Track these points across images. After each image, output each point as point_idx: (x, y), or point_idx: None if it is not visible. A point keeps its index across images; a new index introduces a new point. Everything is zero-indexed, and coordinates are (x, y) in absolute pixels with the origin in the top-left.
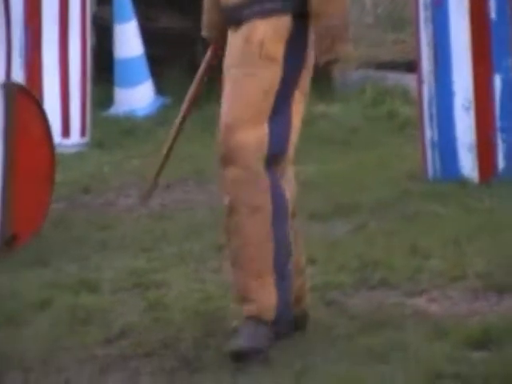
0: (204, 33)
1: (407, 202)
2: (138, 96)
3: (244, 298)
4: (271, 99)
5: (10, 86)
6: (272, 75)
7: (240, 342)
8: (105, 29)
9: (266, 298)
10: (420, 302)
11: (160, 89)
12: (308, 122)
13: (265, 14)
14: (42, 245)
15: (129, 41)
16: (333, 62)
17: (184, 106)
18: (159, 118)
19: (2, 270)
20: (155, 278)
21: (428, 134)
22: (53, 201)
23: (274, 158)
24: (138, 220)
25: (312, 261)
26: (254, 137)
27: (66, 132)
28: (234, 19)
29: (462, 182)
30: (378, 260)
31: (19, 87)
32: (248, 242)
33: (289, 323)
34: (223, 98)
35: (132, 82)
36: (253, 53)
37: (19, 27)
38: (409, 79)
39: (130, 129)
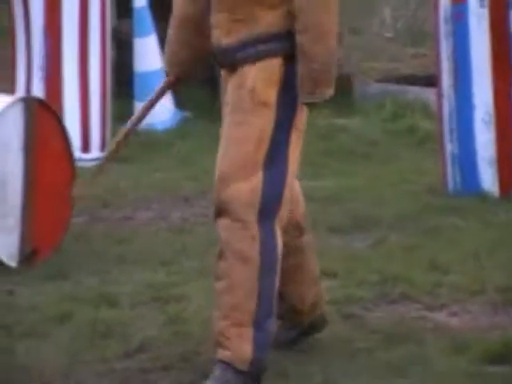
0: (167, 67)
1: (427, 216)
2: (157, 110)
3: (220, 343)
4: (265, 146)
5: (30, 100)
6: (265, 121)
7: None
8: (125, 43)
9: (242, 349)
10: (440, 316)
11: (179, 103)
12: (328, 135)
13: (259, 56)
14: (62, 259)
15: (149, 55)
16: (313, 105)
17: (127, 127)
18: (179, 131)
19: (22, 283)
20: (174, 291)
21: (448, 147)
22: (73, 215)
23: (267, 208)
24: (157, 234)
25: (332, 275)
26: (247, 189)
27: (85, 146)
28: (226, 61)
29: (482, 196)
30: (397, 274)
31: (39, 101)
32: (233, 290)
33: (259, 376)
34: (219, 147)
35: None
36: (244, 99)
37: (39, 41)
38: (429, 93)
39: (149, 143)
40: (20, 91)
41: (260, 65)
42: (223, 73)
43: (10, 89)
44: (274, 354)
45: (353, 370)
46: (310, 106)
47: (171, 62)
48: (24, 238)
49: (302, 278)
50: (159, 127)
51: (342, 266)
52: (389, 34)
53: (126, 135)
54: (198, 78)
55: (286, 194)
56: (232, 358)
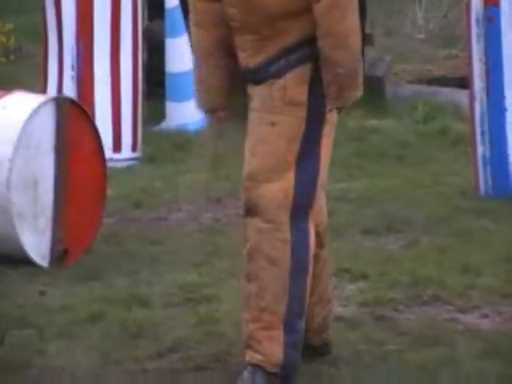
0: (206, 106)
1: (459, 219)
2: (189, 110)
3: (250, 346)
4: (297, 145)
5: (61, 99)
6: (296, 121)
7: None
8: (156, 43)
9: (273, 351)
10: (471, 318)
11: None
12: (360, 136)
13: (291, 66)
14: (94, 259)
15: (181, 55)
16: (341, 108)
17: None
18: (211, 132)
19: (54, 284)
20: (206, 292)
21: (480, 150)
22: (104, 216)
23: (299, 208)
24: (190, 234)
25: (364, 276)
26: (279, 188)
27: (117, 147)
28: (258, 78)
29: None
30: (429, 276)
31: (71, 101)
32: (263, 293)
33: (291, 378)
34: (247, 143)
35: (184, 97)
36: (275, 98)
37: (71, 41)
38: (461, 95)
39: (181, 143)
40: (51, 91)
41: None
42: (251, 85)
43: (42, 91)
44: (303, 355)
45: (384, 371)
46: (339, 109)
47: (211, 97)
48: (55, 239)
49: (316, 291)
50: (191, 128)
51: (374, 268)
52: (421, 36)
53: None
54: (241, 101)
55: (319, 191)
56: (263, 361)
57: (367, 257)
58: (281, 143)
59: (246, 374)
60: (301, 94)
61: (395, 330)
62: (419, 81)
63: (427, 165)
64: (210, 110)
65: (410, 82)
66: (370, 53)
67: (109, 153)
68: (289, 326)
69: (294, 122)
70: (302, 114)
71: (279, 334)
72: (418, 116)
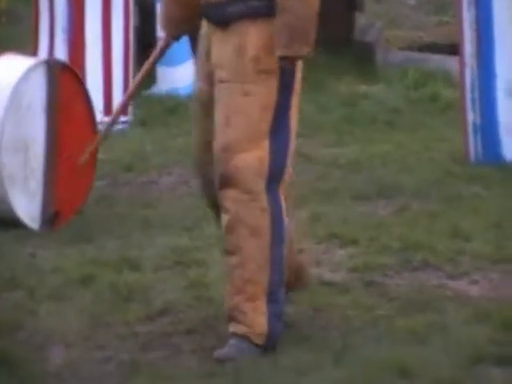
0: (163, 27)
1: (449, 184)
2: (180, 75)
3: (234, 317)
4: (270, 115)
5: (52, 63)
6: (269, 90)
7: (228, 352)
8: (148, 7)
9: (258, 323)
10: (461, 284)
11: None
12: (351, 102)
13: (250, 13)
14: (85, 222)
15: None
16: (289, 59)
17: (130, 89)
18: None
19: (45, 246)
20: (197, 256)
21: (470, 117)
22: (95, 179)
23: (274, 176)
24: (180, 198)
25: (354, 241)
26: (254, 158)
27: (108, 110)
28: (217, 17)
29: (504, 165)
30: (419, 242)
31: (62, 64)
32: (245, 264)
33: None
34: (219, 114)
35: (175, 61)
36: (248, 68)
37: (63, 3)
38: (451, 62)
39: (172, 107)
40: (43, 54)
41: (258, 27)
42: (209, 29)
43: (33, 53)
44: (295, 319)
45: (373, 336)
46: (287, 63)
47: (166, 22)
48: (46, 201)
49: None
50: (182, 92)
51: (364, 233)
52: (412, 2)
53: (130, 96)
54: (192, 36)
55: (290, 159)
56: (248, 332)
57: (357, 222)
58: (255, 113)
59: (232, 345)
60: (273, 63)
61: (385, 296)
62: (410, 47)
63: (418, 131)
64: (165, 32)
65: (401, 49)
66: (361, 19)
67: (100, 116)
68: (271, 296)
69: (266, 91)
70: (274, 83)
71: (263, 305)
72: (409, 82)
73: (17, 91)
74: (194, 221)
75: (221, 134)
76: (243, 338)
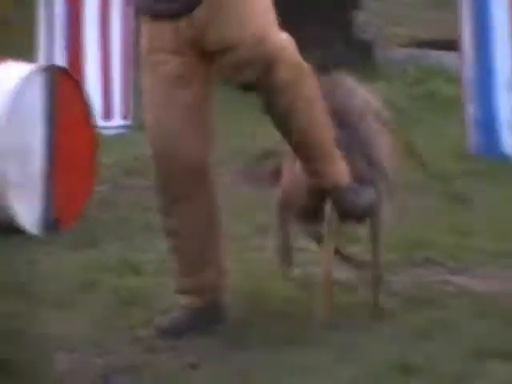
0: None
1: (449, 181)
2: None
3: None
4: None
5: (52, 68)
6: None
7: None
8: None
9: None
10: (463, 279)
11: None
12: None
13: None
14: (87, 227)
15: None
16: None
17: None
18: None
19: (47, 252)
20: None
21: (470, 112)
22: (97, 183)
23: None
24: None
25: (356, 239)
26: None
27: (107, 114)
28: None
29: (504, 160)
30: (421, 238)
31: (61, 70)
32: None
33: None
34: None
35: None
36: None
37: (61, 9)
38: (451, 58)
39: None
40: (42, 60)
41: None
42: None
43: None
44: (297, 316)
45: (376, 333)
46: None
47: None
48: (46, 207)
49: None
50: None
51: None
52: None
53: None
54: None
55: None
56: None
57: None
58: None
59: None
60: None
61: (387, 292)
62: (409, 44)
63: (418, 127)
64: None
65: (400, 46)
66: (360, 17)
67: (100, 121)
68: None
69: None
70: None
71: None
72: (409, 79)
73: (16, 98)
74: None
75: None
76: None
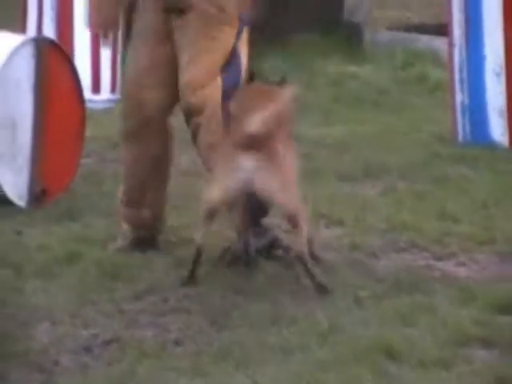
0: (98, 27)
1: (437, 165)
2: None
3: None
4: (226, 58)
5: (40, 41)
6: (231, 38)
7: None
8: None
9: None
10: (448, 265)
11: None
12: (338, 82)
13: None
14: (71, 199)
15: None
16: None
17: None
18: None
19: (31, 224)
20: (184, 235)
21: (458, 97)
22: (83, 156)
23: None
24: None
25: (340, 222)
26: (216, 89)
27: (96, 88)
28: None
29: (492, 146)
30: (406, 222)
31: (50, 42)
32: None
33: None
34: (186, 54)
35: None
36: (215, 18)
37: None
38: (440, 42)
39: None
40: (31, 32)
41: None
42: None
43: (22, 31)
44: (280, 299)
45: (360, 317)
46: None
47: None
48: (33, 179)
49: None
50: None
51: (350, 214)
52: None
53: None
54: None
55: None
56: None
57: (343, 202)
58: (219, 55)
59: None
60: (236, 15)
61: (371, 276)
62: (398, 27)
63: (405, 111)
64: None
65: (389, 29)
66: None
67: (88, 94)
68: None
69: (230, 39)
70: (235, 32)
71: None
72: (397, 62)
73: (4, 68)
74: (182, 199)
75: (186, 71)
76: None
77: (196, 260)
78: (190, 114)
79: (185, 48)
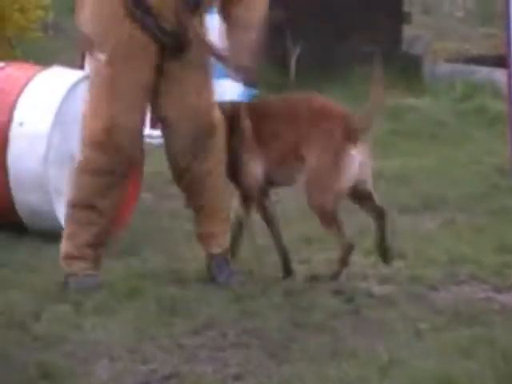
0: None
1: (496, 197)
2: (227, 88)
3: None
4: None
5: None
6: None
7: None
8: None
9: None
10: (508, 298)
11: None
12: (397, 114)
13: None
14: (130, 235)
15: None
16: None
17: None
18: None
19: None
20: (242, 269)
21: None
22: (141, 191)
23: None
24: None
25: (401, 254)
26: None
27: (154, 123)
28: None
29: None
30: (466, 255)
31: None
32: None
33: None
34: (188, 85)
35: (220, 74)
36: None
37: None
38: (499, 74)
39: None
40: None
41: None
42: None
43: (80, 67)
44: (339, 332)
45: (419, 350)
46: None
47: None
48: None
49: None
50: None
51: (410, 246)
52: (459, 14)
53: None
54: None
55: None
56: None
57: (404, 235)
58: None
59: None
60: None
61: (431, 309)
62: (457, 59)
63: (464, 143)
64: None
65: (448, 61)
66: (408, 31)
67: (146, 129)
68: None
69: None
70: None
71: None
72: (456, 95)
73: (63, 105)
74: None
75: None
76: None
77: (345, 257)
78: (204, 134)
79: (186, 79)
